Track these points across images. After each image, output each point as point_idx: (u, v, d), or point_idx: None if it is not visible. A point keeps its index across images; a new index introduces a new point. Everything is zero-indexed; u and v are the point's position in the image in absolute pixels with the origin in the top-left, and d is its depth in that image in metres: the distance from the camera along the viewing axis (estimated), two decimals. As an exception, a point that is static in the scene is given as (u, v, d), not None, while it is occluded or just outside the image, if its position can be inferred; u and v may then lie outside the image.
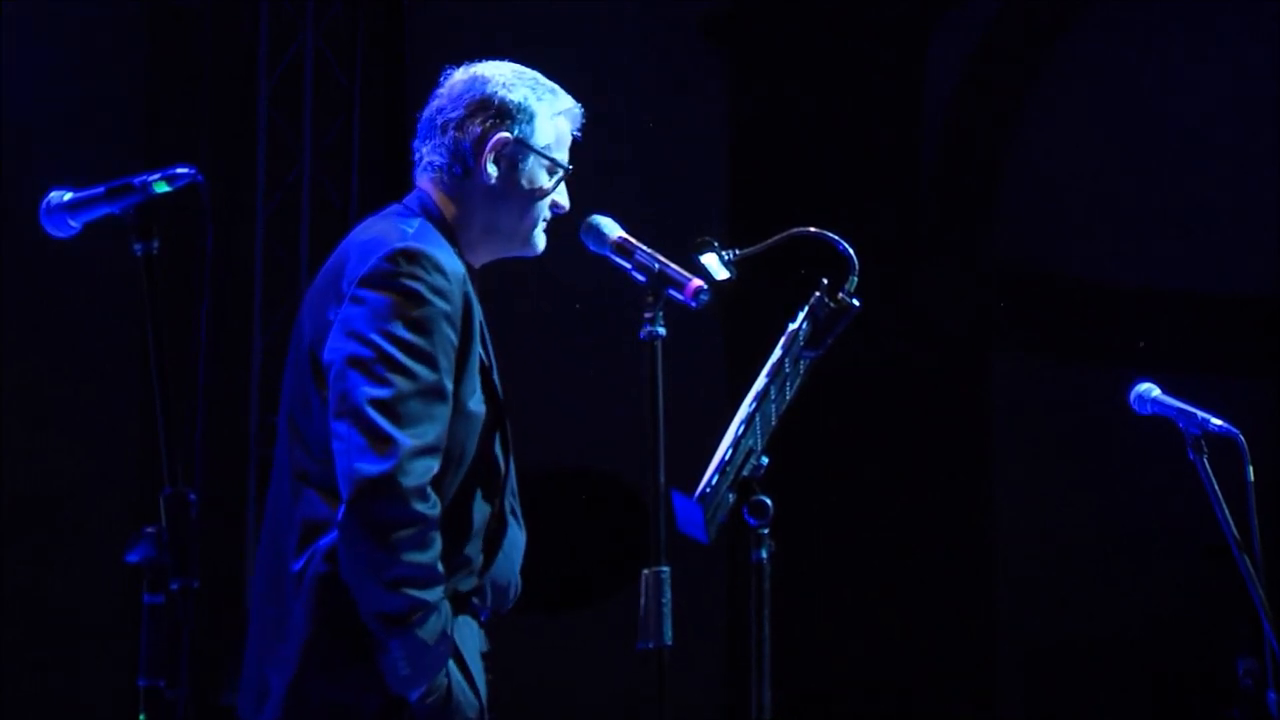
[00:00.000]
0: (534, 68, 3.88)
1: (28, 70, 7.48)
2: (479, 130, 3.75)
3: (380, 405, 3.50)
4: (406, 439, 3.48)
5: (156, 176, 3.04)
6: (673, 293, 3.47)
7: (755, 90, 9.09)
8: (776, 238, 3.70)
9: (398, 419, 3.50)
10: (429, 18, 7.81)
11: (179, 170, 3.06)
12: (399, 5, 7.82)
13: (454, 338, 3.60)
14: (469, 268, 3.78)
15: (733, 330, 8.32)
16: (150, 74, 7.85)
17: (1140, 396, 4.80)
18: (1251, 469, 4.59)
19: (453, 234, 3.75)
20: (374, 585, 3.49)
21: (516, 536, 3.76)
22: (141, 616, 2.90)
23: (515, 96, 3.77)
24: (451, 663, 3.59)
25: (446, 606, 3.55)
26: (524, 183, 3.76)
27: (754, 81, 9.10)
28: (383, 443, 3.48)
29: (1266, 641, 4.59)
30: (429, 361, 3.55)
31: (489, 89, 3.78)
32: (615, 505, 7.78)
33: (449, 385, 3.57)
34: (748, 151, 9.06)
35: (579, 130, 3.86)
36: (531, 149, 3.76)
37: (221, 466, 7.36)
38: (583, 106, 3.87)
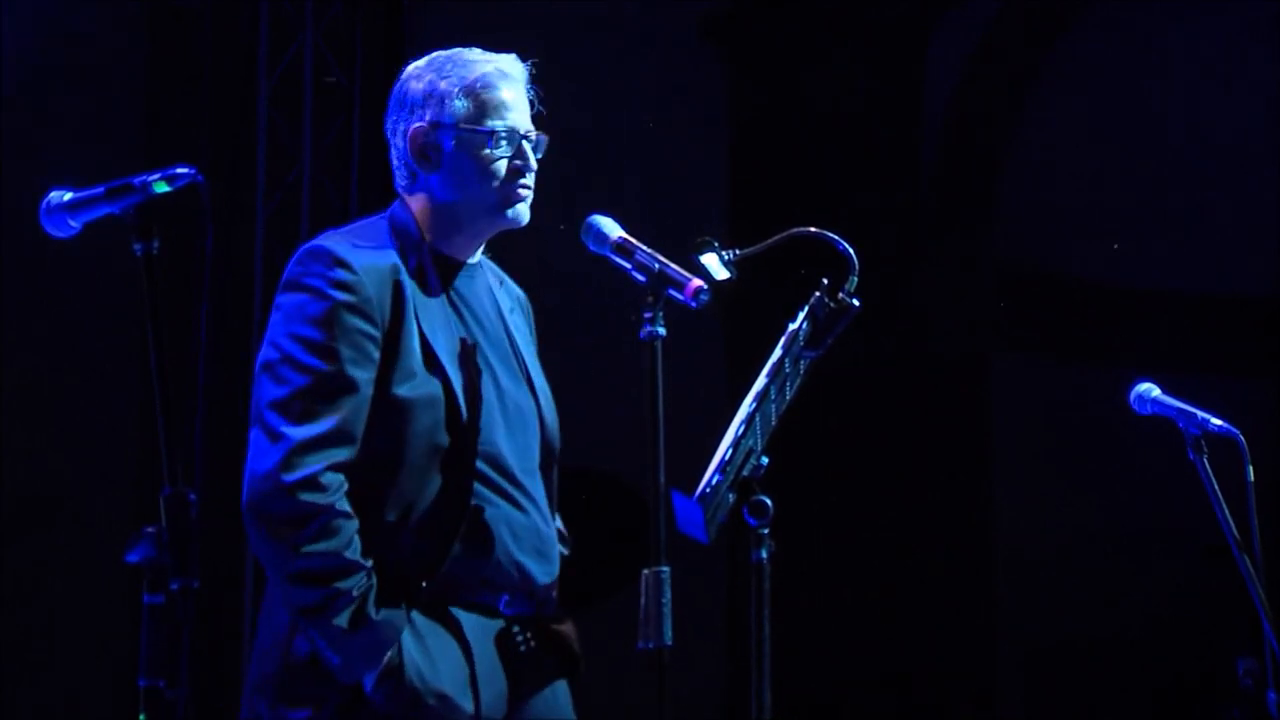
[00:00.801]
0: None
1: (28, 70, 7.47)
2: (401, 129, 3.79)
3: (276, 405, 3.57)
4: (296, 434, 3.54)
5: (156, 176, 3.05)
6: (673, 293, 3.46)
7: (755, 90, 9.08)
8: (776, 238, 3.70)
9: (291, 415, 3.56)
10: (429, 18, 7.81)
11: (179, 170, 3.06)
12: (399, 5, 7.82)
13: (366, 327, 3.62)
14: (450, 261, 3.78)
15: (733, 330, 8.32)
16: (150, 74, 7.85)
17: (1140, 396, 4.80)
18: (1251, 469, 4.59)
19: (419, 232, 3.76)
20: (282, 580, 3.56)
21: (507, 518, 3.72)
22: (141, 616, 2.90)
23: (421, 85, 3.79)
24: (412, 647, 3.58)
25: (374, 592, 3.54)
26: (456, 162, 3.76)
27: (754, 81, 9.09)
28: (274, 440, 3.55)
29: (1266, 641, 4.59)
30: (328, 354, 3.59)
31: (403, 87, 3.82)
32: (615, 505, 7.77)
33: (356, 374, 3.60)
34: (748, 151, 9.05)
35: (528, 82, 3.82)
36: (450, 128, 3.75)
37: (221, 466, 7.33)
38: (518, 49, 3.84)
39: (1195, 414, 4.67)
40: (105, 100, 7.71)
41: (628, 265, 3.54)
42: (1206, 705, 6.89)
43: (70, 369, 7.53)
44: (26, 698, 7.31)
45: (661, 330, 3.43)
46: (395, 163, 3.83)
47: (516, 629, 3.72)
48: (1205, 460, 4.61)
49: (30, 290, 7.34)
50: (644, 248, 3.54)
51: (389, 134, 3.84)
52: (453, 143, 3.75)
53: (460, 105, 3.76)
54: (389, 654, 3.56)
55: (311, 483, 3.52)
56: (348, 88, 7.67)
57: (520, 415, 3.80)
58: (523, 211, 3.80)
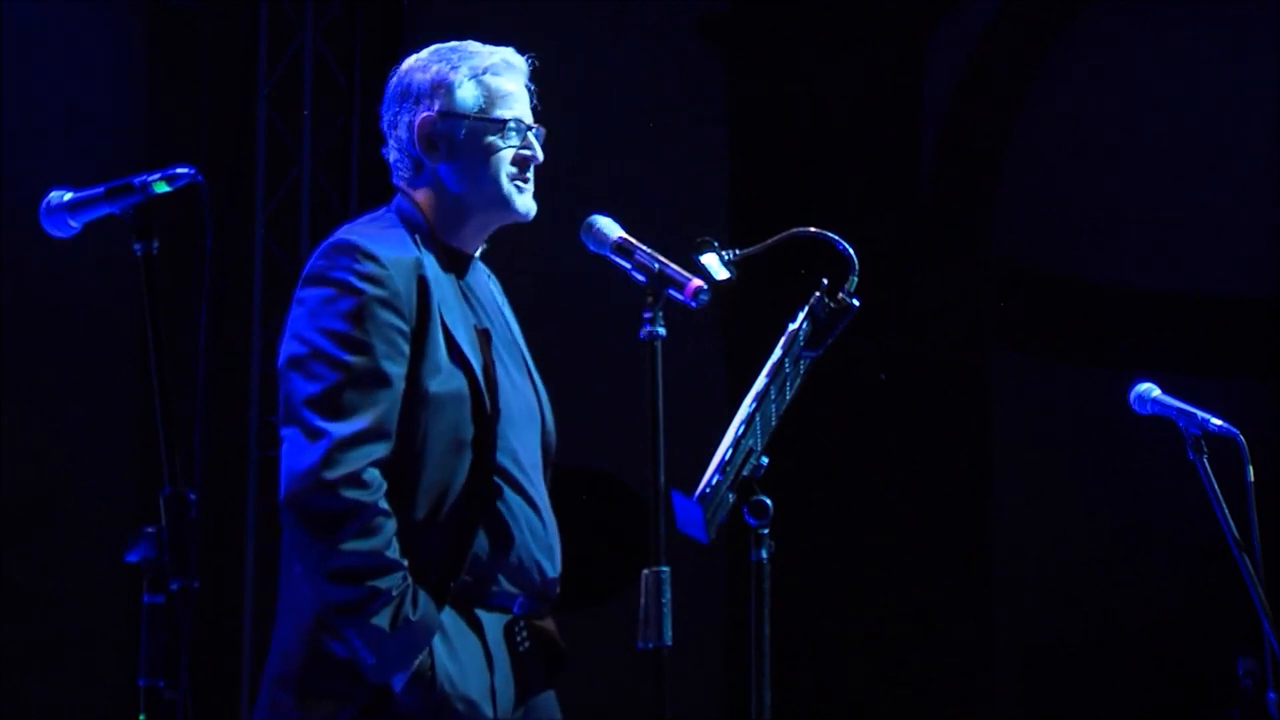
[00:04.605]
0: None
1: (28, 70, 7.47)
2: (407, 119, 3.76)
3: (313, 402, 3.53)
4: (336, 430, 3.50)
5: (156, 176, 3.04)
6: (673, 293, 3.46)
7: (755, 90, 9.09)
8: (776, 238, 3.69)
9: (330, 411, 3.52)
10: (428, 18, 7.81)
11: (179, 170, 3.06)
12: (398, 6, 7.82)
13: (397, 321, 3.59)
14: (458, 254, 3.77)
15: (733, 330, 8.33)
16: (150, 74, 7.85)
17: (1140, 397, 4.79)
18: (1251, 469, 4.58)
19: (427, 226, 3.75)
20: (318, 577, 3.50)
21: (525, 516, 3.70)
22: (141, 616, 2.90)
23: (428, 75, 3.76)
24: (442, 651, 3.57)
25: (412, 592, 3.52)
26: (467, 151, 3.74)
27: (753, 81, 9.10)
28: (314, 437, 3.50)
29: (1266, 641, 4.59)
30: (362, 349, 3.56)
31: (405, 79, 3.79)
32: (615, 505, 7.78)
33: (390, 369, 3.57)
34: (747, 151, 9.06)
35: (528, 77, 3.81)
36: (460, 116, 3.73)
37: (221, 466, 7.35)
38: (519, 49, 3.83)
39: (1195, 414, 4.66)
40: (105, 100, 7.71)
41: (628, 265, 3.53)
42: (1206, 705, 6.89)
43: (70, 369, 7.53)
44: (27, 698, 7.32)
45: (661, 330, 3.42)
46: (395, 156, 3.79)
47: (519, 628, 3.72)
48: (1205, 460, 4.61)
49: (30, 290, 7.34)
50: (644, 248, 3.54)
51: (387, 128, 3.81)
52: (464, 132, 3.74)
53: (470, 94, 3.75)
54: (421, 656, 3.55)
55: (354, 479, 3.48)
56: (347, 88, 7.68)
57: (527, 411, 3.79)
58: (530, 204, 3.79)
